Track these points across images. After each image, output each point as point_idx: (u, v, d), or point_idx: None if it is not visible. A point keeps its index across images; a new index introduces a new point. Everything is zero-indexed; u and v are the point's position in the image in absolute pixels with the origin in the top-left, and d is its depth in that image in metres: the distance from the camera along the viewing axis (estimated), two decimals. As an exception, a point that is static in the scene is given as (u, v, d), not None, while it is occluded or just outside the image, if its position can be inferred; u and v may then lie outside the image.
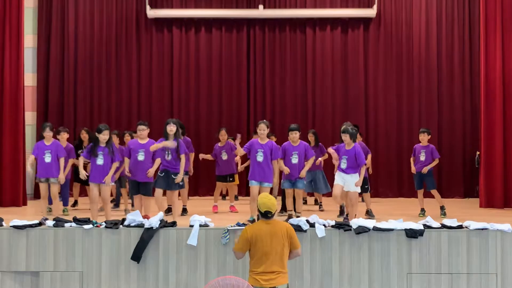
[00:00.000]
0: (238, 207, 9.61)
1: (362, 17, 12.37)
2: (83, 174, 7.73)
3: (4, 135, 10.21)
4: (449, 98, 12.29)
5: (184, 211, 8.83)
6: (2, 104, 10.24)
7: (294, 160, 8.12)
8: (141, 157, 7.93)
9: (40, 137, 12.08)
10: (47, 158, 8.05)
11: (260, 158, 7.80)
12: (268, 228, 5.37)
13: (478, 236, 6.80)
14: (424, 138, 9.12)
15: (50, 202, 8.82)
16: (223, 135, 9.71)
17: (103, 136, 7.62)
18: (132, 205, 8.96)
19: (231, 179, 9.75)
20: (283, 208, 9.06)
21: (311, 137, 9.49)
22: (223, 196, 11.31)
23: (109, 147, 7.65)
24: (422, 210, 8.94)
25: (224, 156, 9.61)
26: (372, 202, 9.23)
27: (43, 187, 8.14)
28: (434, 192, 9.01)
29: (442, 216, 8.52)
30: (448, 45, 12.33)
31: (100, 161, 7.59)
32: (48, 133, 8.14)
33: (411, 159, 9.24)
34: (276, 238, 5.34)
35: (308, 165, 8.23)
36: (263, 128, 7.94)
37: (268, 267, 5.32)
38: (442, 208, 8.87)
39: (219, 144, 9.76)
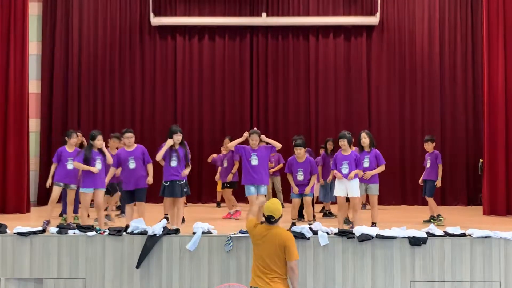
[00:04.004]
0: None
1: (365, 24, 12.41)
2: (106, 181, 7.84)
3: (8, 141, 10.25)
4: (452, 105, 12.30)
5: (182, 220, 8.71)
6: (6, 111, 10.28)
7: (300, 177, 8.23)
8: (132, 165, 7.70)
9: (45, 143, 12.23)
10: (69, 165, 8.15)
11: (255, 161, 7.80)
12: (266, 233, 5.37)
13: (481, 244, 6.78)
14: (427, 146, 9.16)
15: (75, 211, 8.95)
16: (226, 143, 9.87)
17: (98, 142, 7.64)
18: (122, 212, 8.96)
19: (227, 185, 9.84)
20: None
21: (330, 145, 9.77)
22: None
23: (103, 153, 7.67)
24: (433, 217, 8.96)
25: (226, 163, 9.88)
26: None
27: (57, 190, 8.17)
28: (428, 199, 9.01)
29: (429, 222, 8.58)
30: (451, 53, 12.35)
31: (99, 166, 7.60)
32: (74, 139, 8.29)
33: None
34: (271, 244, 5.33)
35: (312, 182, 8.31)
36: (255, 139, 7.89)
37: (262, 270, 5.33)
38: (432, 217, 8.94)
39: (224, 152, 10.07)
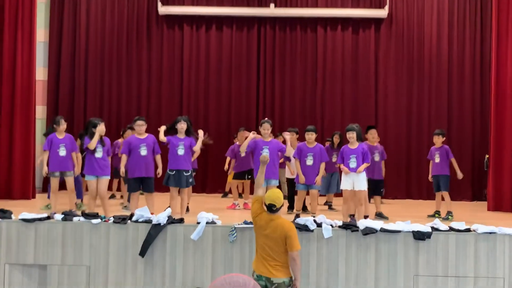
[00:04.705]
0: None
1: (373, 17, 12.34)
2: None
3: (15, 128, 10.30)
4: (459, 100, 12.24)
5: (187, 209, 8.62)
6: (13, 98, 10.32)
7: (309, 161, 8.16)
8: (143, 152, 7.77)
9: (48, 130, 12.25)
10: (62, 152, 8.01)
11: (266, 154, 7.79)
12: (268, 222, 5.39)
13: (486, 240, 6.76)
14: (437, 140, 9.09)
15: (80, 196, 9.03)
16: (242, 136, 9.91)
17: (101, 128, 7.68)
18: (128, 201, 8.93)
19: (249, 177, 9.80)
20: (291, 207, 9.11)
21: (336, 139, 9.78)
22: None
23: (101, 140, 7.72)
24: (437, 212, 8.92)
25: (243, 153, 9.72)
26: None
27: (55, 181, 8.08)
28: (445, 194, 8.96)
29: (444, 219, 8.54)
30: (459, 47, 12.27)
31: (99, 154, 7.62)
32: (63, 126, 8.11)
33: (430, 163, 9.18)
34: (272, 234, 5.34)
35: (321, 171, 8.24)
36: (267, 128, 7.96)
37: (265, 257, 5.37)
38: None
39: (237, 143, 10.04)
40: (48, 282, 6.90)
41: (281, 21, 12.53)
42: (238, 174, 9.87)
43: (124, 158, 7.90)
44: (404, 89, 12.35)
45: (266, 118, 8.35)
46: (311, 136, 8.25)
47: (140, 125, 7.91)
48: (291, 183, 9.24)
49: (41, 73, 11.98)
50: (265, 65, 12.56)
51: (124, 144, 8.06)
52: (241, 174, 9.80)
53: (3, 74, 10.34)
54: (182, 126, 7.85)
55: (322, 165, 8.25)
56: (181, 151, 7.77)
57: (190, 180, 7.91)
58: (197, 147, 7.97)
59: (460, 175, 9.04)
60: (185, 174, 7.78)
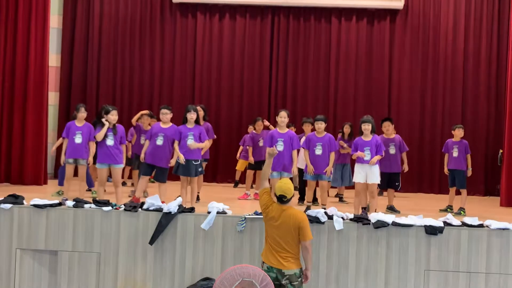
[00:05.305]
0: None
1: (389, 8, 12.18)
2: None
3: (27, 114, 10.35)
4: (474, 93, 12.08)
5: (197, 198, 8.59)
6: (26, 84, 10.35)
7: (318, 151, 8.11)
8: (159, 141, 7.80)
9: (62, 117, 12.29)
10: (78, 139, 7.97)
11: (280, 147, 7.76)
12: (280, 213, 5.38)
13: (498, 236, 6.69)
14: (459, 133, 8.95)
15: (91, 185, 9.06)
16: (259, 125, 9.97)
17: (112, 117, 7.67)
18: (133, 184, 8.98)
19: None
20: (301, 198, 9.07)
21: (347, 129, 9.73)
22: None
23: (114, 128, 7.71)
24: (450, 206, 8.85)
25: (261, 143, 9.72)
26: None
27: (70, 168, 8.06)
28: (462, 191, 8.87)
29: (456, 214, 8.46)
30: (476, 40, 12.10)
31: (110, 142, 7.62)
32: (82, 113, 8.08)
33: (446, 156, 9.07)
34: (285, 225, 5.35)
35: (331, 161, 8.17)
36: (284, 116, 7.92)
37: (276, 249, 5.40)
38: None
39: (254, 132, 10.01)
40: (59, 268, 6.96)
41: (295, 11, 12.41)
42: (254, 164, 9.81)
43: (146, 143, 7.99)
44: (418, 82, 12.21)
45: (285, 108, 8.38)
46: (320, 126, 8.20)
47: (164, 114, 7.95)
48: (302, 174, 9.18)
49: (54, 59, 11.98)
50: (278, 55, 12.47)
51: (150, 129, 8.23)
52: (257, 164, 9.74)
53: (16, 60, 10.37)
54: (191, 116, 7.81)
55: (332, 155, 8.20)
56: (190, 141, 7.75)
57: (200, 169, 7.90)
58: (204, 143, 7.94)
59: (469, 172, 8.96)
60: (194, 163, 7.77)
